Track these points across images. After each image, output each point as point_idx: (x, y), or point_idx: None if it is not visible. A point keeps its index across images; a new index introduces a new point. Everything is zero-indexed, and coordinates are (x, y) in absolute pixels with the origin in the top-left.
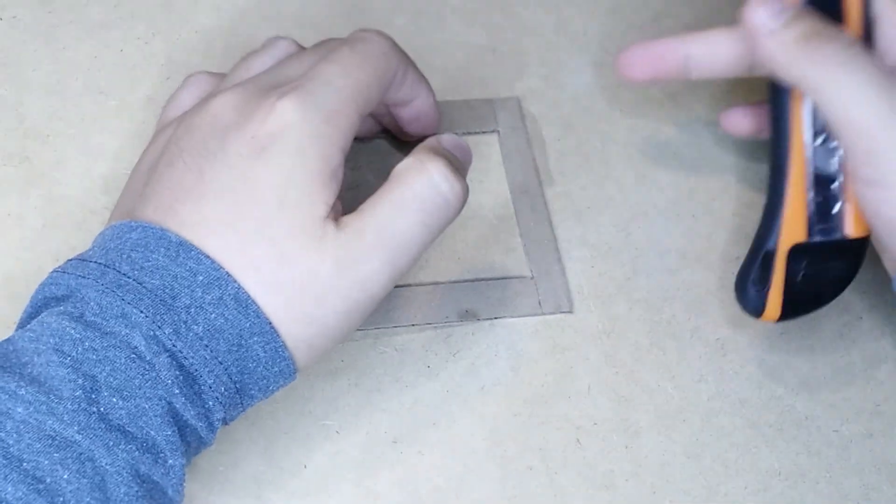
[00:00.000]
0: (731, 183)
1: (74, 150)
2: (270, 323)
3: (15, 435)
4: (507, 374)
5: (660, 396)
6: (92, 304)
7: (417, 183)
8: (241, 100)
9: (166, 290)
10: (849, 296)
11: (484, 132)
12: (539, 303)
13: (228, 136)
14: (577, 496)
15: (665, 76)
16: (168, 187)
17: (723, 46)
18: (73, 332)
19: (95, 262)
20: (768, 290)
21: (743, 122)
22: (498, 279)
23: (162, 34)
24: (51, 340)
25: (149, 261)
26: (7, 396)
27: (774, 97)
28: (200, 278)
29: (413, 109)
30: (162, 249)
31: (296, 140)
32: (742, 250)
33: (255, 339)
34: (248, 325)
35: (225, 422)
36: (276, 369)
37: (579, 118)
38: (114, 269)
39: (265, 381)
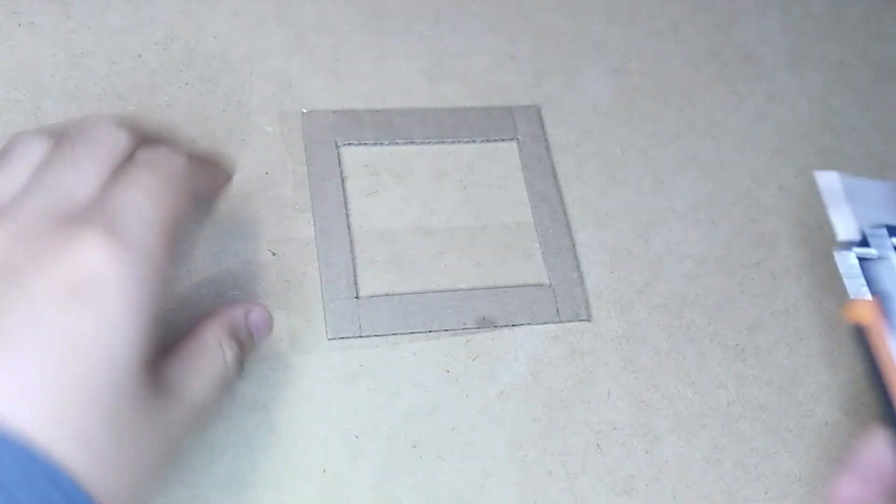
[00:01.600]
0: (751, 189)
1: None
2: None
3: None
4: (527, 378)
5: (679, 402)
6: None
7: (217, 364)
8: (25, 236)
9: None
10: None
11: (503, 140)
12: (557, 311)
13: (30, 283)
14: (597, 501)
15: None
16: None
17: None
18: None
19: None
20: None
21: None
22: (516, 287)
23: (180, 40)
24: None
25: None
26: None
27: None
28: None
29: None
30: None
31: (115, 287)
32: (762, 255)
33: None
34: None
35: None
36: None
37: (598, 124)
38: None
39: None
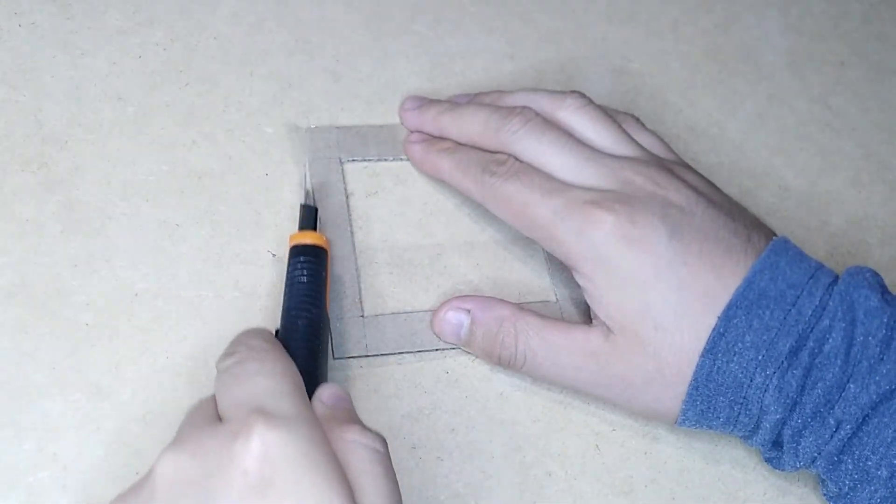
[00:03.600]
0: (751, 189)
1: (93, 156)
2: None
3: None
4: (526, 379)
5: None
6: None
7: (367, 463)
8: (190, 451)
9: None
10: None
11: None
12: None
13: (214, 486)
14: (596, 502)
15: None
16: None
17: None
18: None
19: None
20: None
21: None
22: (522, 304)
23: (181, 40)
24: None
25: None
26: None
27: None
28: None
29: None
30: None
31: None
32: None
33: None
34: None
35: None
36: None
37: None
38: None
39: None
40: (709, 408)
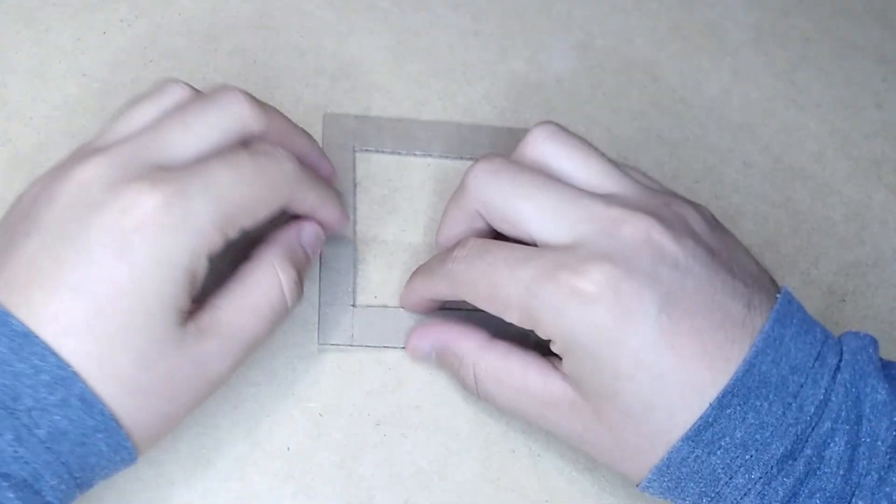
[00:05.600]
0: (716, 165)
1: (58, 133)
2: (115, 419)
3: None
4: None
5: None
6: None
7: (272, 293)
8: (111, 175)
9: (7, 392)
10: (833, 279)
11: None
12: None
13: (91, 221)
14: (559, 478)
15: None
16: (22, 264)
17: None
18: None
19: None
20: None
21: None
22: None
23: (145, 16)
24: None
25: None
26: None
27: None
28: (44, 377)
29: (316, 218)
30: (5, 339)
31: (156, 238)
32: None
33: (100, 435)
34: (92, 423)
35: None
36: (119, 458)
37: (562, 101)
38: None
39: (106, 470)
40: (676, 487)
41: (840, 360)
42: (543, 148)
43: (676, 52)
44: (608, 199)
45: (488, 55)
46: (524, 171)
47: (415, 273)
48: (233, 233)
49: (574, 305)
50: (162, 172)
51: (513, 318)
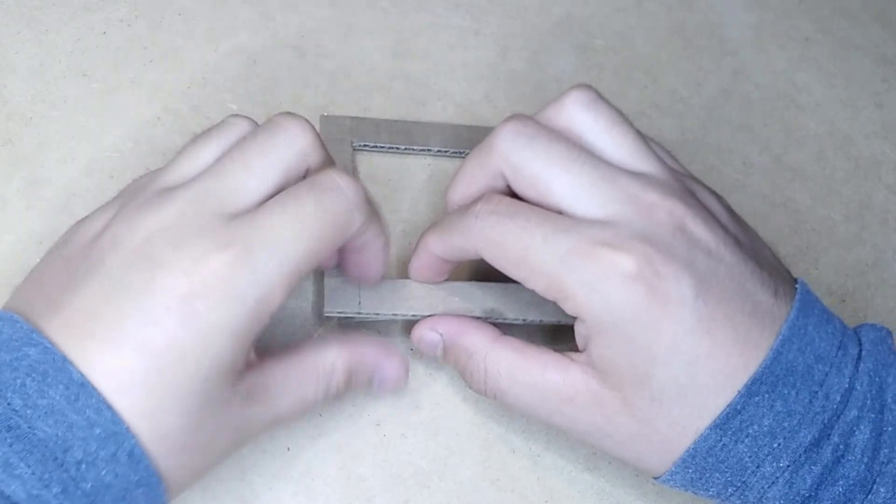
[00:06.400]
0: (716, 165)
1: (57, 133)
2: (157, 475)
3: None
4: None
5: None
6: None
7: (321, 387)
8: (176, 229)
9: (59, 443)
10: (833, 279)
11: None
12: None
13: (155, 279)
14: (559, 478)
15: None
16: (80, 310)
17: None
18: None
19: None
20: None
21: None
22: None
23: (145, 16)
24: None
25: (44, 397)
26: None
27: None
28: (97, 431)
29: (359, 257)
30: (61, 387)
31: (221, 303)
32: None
33: (140, 490)
34: (136, 479)
35: None
36: None
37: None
38: (3, 398)
39: None
40: (700, 478)
41: (860, 350)
42: (581, 117)
43: (676, 52)
44: (642, 180)
45: (488, 55)
46: (560, 140)
47: (426, 231)
48: (298, 283)
49: (612, 283)
50: (226, 229)
51: (538, 285)
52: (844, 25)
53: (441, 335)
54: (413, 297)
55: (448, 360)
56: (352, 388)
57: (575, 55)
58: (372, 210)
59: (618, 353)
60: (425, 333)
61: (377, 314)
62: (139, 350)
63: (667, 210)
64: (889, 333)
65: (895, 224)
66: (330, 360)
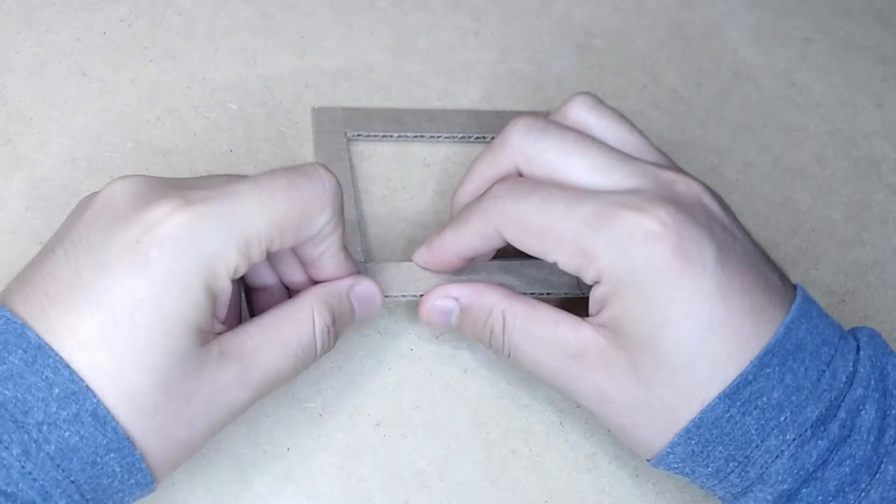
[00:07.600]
0: (716, 166)
1: (57, 133)
2: (128, 438)
3: None
4: (490, 356)
5: None
6: None
7: (303, 332)
8: (141, 190)
9: (18, 405)
10: (833, 279)
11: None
12: (578, 282)
13: (113, 235)
14: (559, 479)
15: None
16: (43, 276)
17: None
18: None
19: None
20: None
21: None
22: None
23: (145, 16)
24: None
25: (4, 363)
26: None
27: None
28: (56, 391)
29: (318, 272)
30: (20, 351)
31: (174, 252)
32: None
33: (112, 455)
34: (104, 441)
35: None
36: (133, 482)
37: (562, 100)
38: None
39: (120, 493)
40: (701, 451)
41: (858, 344)
42: (586, 117)
43: (676, 52)
44: (655, 163)
45: (488, 55)
46: (571, 130)
47: (441, 232)
48: (257, 256)
49: (637, 243)
50: (192, 193)
51: (562, 255)
52: (844, 25)
53: (456, 299)
54: (417, 279)
55: (465, 323)
56: (338, 329)
57: (575, 55)
58: (341, 216)
59: (632, 314)
60: (438, 302)
61: (386, 296)
62: (94, 302)
63: (685, 185)
64: (879, 334)
65: (895, 224)
66: (305, 302)
